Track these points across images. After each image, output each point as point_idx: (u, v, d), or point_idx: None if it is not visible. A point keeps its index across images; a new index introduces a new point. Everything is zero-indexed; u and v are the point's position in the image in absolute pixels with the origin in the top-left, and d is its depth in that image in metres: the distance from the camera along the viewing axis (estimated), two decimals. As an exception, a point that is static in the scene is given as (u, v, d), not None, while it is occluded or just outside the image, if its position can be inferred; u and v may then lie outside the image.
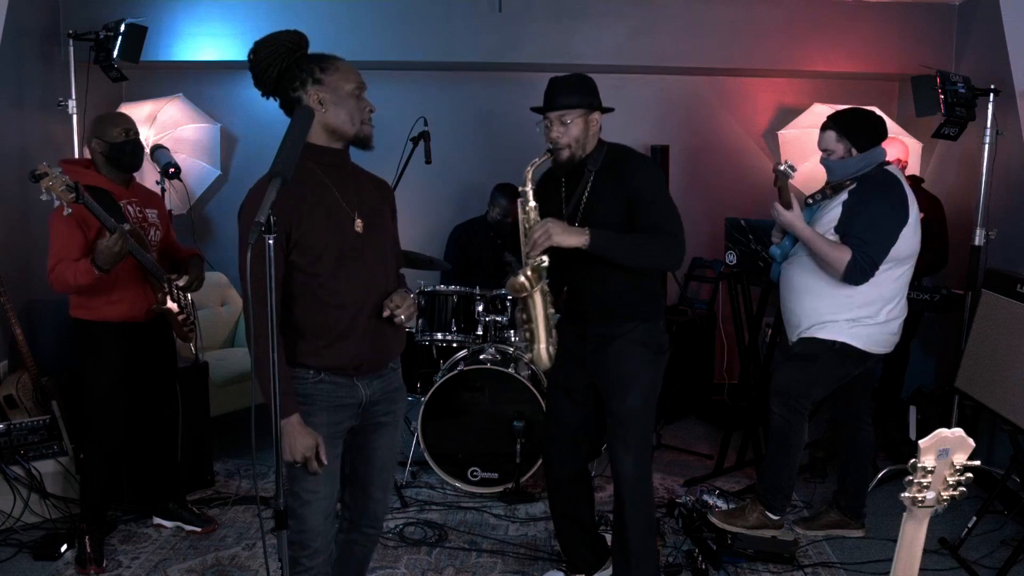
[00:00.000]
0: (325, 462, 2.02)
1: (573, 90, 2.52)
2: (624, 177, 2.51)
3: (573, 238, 2.38)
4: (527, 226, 2.48)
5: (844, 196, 2.98)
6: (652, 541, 2.67)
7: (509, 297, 3.90)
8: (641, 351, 2.56)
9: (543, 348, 2.48)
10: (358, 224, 2.05)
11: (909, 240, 2.92)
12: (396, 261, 2.28)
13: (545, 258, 2.40)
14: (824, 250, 2.92)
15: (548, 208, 2.60)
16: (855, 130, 2.98)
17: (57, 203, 2.66)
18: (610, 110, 2.61)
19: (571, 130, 2.50)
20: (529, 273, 2.41)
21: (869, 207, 2.89)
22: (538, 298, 2.45)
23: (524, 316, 2.49)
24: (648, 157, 2.66)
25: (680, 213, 2.58)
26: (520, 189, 2.50)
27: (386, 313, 2.03)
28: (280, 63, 2.02)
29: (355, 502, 2.28)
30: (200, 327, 3.35)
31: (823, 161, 3.07)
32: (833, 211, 2.98)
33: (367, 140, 2.08)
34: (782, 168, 3.00)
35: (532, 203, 2.49)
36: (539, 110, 2.57)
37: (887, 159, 3.04)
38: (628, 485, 2.55)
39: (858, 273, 2.87)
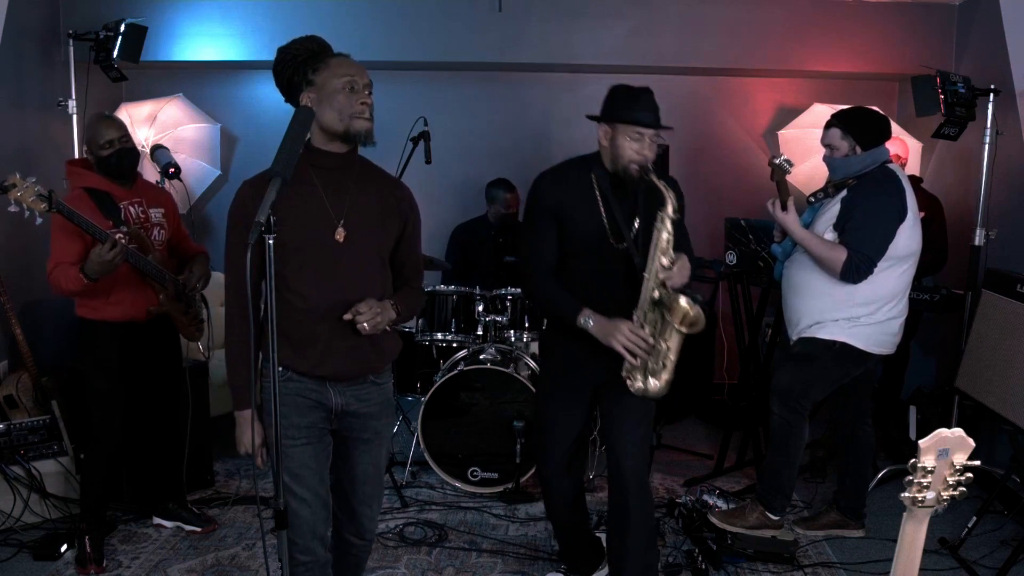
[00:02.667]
0: (265, 459, 2.04)
1: (657, 106, 2.45)
2: (661, 199, 2.40)
3: None
4: (660, 247, 2.35)
5: (844, 193, 2.98)
6: (653, 542, 2.65)
7: (509, 298, 3.90)
8: None
9: (666, 380, 2.38)
10: (339, 233, 2.01)
11: (908, 238, 2.92)
12: (411, 269, 2.21)
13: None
14: (820, 250, 2.92)
15: (584, 217, 2.48)
16: (859, 128, 2.98)
17: (27, 214, 2.61)
18: (669, 128, 2.49)
19: (655, 148, 2.44)
20: (688, 302, 2.29)
21: (866, 204, 2.89)
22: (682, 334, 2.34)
23: (665, 346, 2.35)
24: (671, 177, 2.57)
25: None
26: (660, 212, 2.34)
27: (347, 316, 1.98)
28: (287, 73, 2.03)
29: (341, 511, 2.25)
30: (212, 325, 3.34)
31: (826, 159, 3.07)
32: (833, 209, 2.99)
33: (358, 135, 2.00)
34: (778, 162, 3.01)
35: (670, 225, 2.36)
36: (625, 120, 2.41)
37: (889, 157, 3.05)
38: (632, 484, 2.51)
39: (855, 272, 2.87)
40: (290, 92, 2.05)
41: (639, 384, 2.40)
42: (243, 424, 2.11)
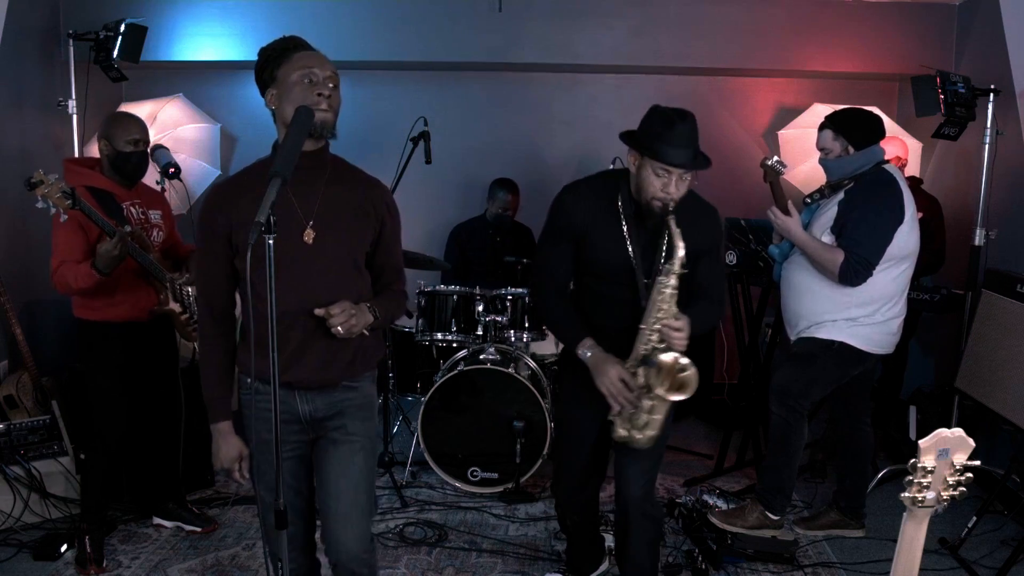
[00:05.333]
0: (246, 475, 1.98)
1: (696, 140, 2.23)
2: (697, 231, 2.29)
3: None
4: (663, 305, 2.24)
5: (841, 195, 2.98)
6: (654, 563, 2.64)
7: (509, 298, 3.90)
8: None
9: (652, 437, 2.31)
10: (308, 235, 1.92)
11: (905, 239, 2.92)
12: (391, 272, 2.11)
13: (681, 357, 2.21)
14: (818, 253, 2.92)
15: (607, 243, 2.35)
16: (851, 128, 2.98)
17: (53, 210, 2.65)
18: (707, 166, 2.29)
19: (686, 185, 2.26)
20: (671, 359, 2.19)
21: (863, 207, 2.89)
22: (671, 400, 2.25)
23: (649, 403, 2.27)
24: (714, 208, 2.43)
25: None
26: (666, 266, 2.23)
27: (319, 312, 1.89)
28: (261, 75, 1.97)
29: (324, 536, 2.07)
30: None
31: (821, 161, 3.07)
32: (830, 211, 2.99)
33: (313, 128, 1.87)
34: (770, 163, 3.01)
35: (674, 286, 2.22)
36: (653, 156, 2.21)
37: (886, 158, 3.04)
38: (635, 511, 2.48)
39: (852, 274, 2.87)
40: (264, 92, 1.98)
41: (621, 432, 2.34)
42: (219, 438, 2.00)
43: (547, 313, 2.51)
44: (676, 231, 2.20)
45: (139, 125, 3.03)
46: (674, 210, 2.24)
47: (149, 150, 4.34)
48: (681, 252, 2.20)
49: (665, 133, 2.19)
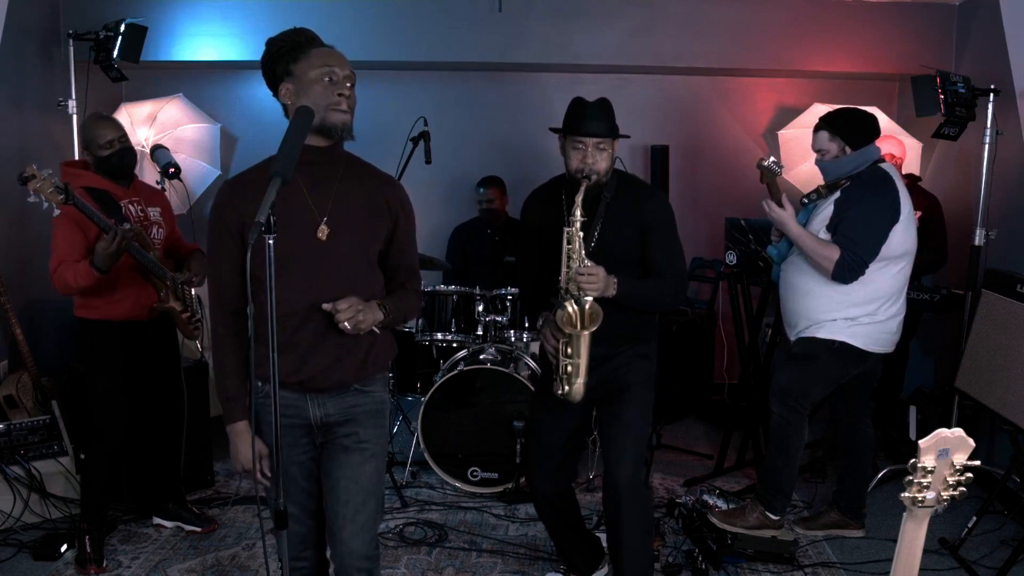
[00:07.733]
0: (267, 473, 1.95)
1: (608, 116, 2.46)
2: (637, 207, 2.50)
3: (608, 290, 2.39)
4: (572, 256, 2.41)
5: (837, 194, 2.98)
6: (648, 546, 2.65)
7: (509, 298, 3.90)
8: (642, 362, 2.60)
9: (582, 383, 2.43)
10: (322, 231, 1.90)
11: (901, 237, 2.92)
12: (405, 271, 2.10)
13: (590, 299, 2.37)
14: (813, 248, 2.93)
15: (553, 235, 2.50)
16: (847, 128, 2.98)
17: (46, 205, 2.65)
18: (626, 137, 2.55)
19: (605, 158, 2.45)
20: (576, 308, 2.37)
21: (859, 205, 2.90)
22: (586, 336, 2.38)
23: (568, 351, 2.41)
24: (657, 187, 2.60)
25: (680, 214, 2.58)
26: (569, 218, 2.39)
27: (327, 306, 1.86)
28: (271, 65, 1.95)
29: (329, 539, 2.05)
30: (206, 325, 3.35)
31: (818, 163, 3.08)
32: (826, 210, 2.99)
33: (333, 129, 1.88)
34: (766, 164, 3.02)
35: (580, 234, 2.38)
36: (568, 131, 2.46)
37: (881, 156, 3.05)
38: (625, 491, 2.52)
39: (847, 272, 2.87)
40: (274, 85, 1.96)
41: (559, 390, 2.47)
42: (236, 439, 1.99)
43: (523, 303, 2.73)
44: (581, 191, 2.38)
45: (111, 125, 3.01)
46: (597, 182, 2.43)
47: (148, 150, 4.36)
48: (579, 198, 2.36)
49: (577, 112, 2.45)
